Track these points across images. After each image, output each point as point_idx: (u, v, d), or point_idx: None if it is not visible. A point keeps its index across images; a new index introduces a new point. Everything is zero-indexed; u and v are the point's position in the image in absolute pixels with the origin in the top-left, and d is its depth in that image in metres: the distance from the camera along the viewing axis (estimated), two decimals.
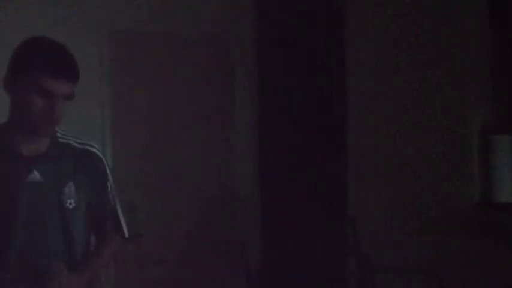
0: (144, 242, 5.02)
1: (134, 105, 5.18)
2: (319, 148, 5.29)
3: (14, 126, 2.38)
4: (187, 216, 5.35)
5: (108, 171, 2.60)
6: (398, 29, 4.73)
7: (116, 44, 5.13)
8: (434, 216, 4.54)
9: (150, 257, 5.16)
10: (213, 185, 5.52)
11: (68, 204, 2.45)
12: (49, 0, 5.03)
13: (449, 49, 4.49)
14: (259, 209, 5.67)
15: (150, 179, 5.20)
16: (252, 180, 5.69)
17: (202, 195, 5.42)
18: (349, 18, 5.01)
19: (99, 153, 2.57)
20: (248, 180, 5.71)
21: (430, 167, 4.56)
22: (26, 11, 4.95)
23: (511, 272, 4.23)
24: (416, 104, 4.64)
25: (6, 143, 2.39)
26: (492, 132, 4.40)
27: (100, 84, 5.15)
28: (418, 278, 4.50)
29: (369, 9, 4.90)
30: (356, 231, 4.66)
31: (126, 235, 2.64)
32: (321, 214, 5.23)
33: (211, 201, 5.51)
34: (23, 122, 2.34)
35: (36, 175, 2.39)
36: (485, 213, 4.32)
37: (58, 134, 2.47)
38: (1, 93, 2.42)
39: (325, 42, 5.28)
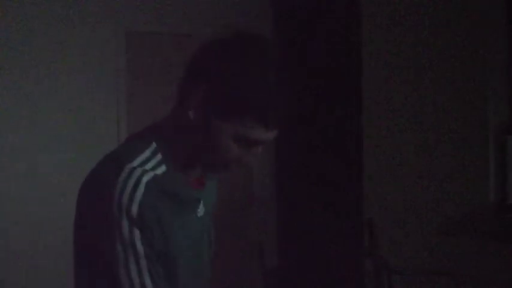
0: None
1: (149, 104, 5.22)
2: (336, 149, 5.28)
3: (184, 158, 1.76)
4: None
5: None
6: (414, 28, 4.71)
7: (133, 44, 5.19)
8: (449, 218, 4.51)
9: None
10: (231, 187, 5.54)
11: (212, 238, 1.96)
12: (71, 1, 5.11)
13: (462, 47, 4.46)
14: (275, 209, 5.68)
15: None
16: (268, 182, 5.70)
17: (220, 197, 5.44)
18: (365, 18, 5.00)
19: None
20: (265, 182, 5.72)
21: (445, 167, 4.53)
22: (47, 9, 5.00)
23: None
24: (431, 104, 4.62)
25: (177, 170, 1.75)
26: (508, 132, 4.36)
27: (116, 82, 5.21)
28: (434, 279, 4.47)
29: (385, 8, 4.88)
30: (373, 232, 4.64)
31: None
32: (337, 215, 5.22)
33: (229, 203, 5.52)
34: (206, 162, 1.74)
35: (202, 205, 1.84)
36: (501, 214, 4.28)
37: None
38: None
39: (340, 43, 5.28)
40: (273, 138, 1.72)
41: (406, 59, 4.74)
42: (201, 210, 1.82)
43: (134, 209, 1.61)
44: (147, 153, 1.71)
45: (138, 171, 1.65)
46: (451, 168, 4.50)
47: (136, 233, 1.61)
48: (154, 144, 1.73)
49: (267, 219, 5.67)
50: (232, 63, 1.65)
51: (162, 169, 1.71)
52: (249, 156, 1.72)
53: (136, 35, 5.22)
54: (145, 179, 1.64)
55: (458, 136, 4.48)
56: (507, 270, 4.21)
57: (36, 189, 4.94)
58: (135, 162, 1.68)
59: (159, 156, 1.72)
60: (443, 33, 4.56)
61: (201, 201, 1.83)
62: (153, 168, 1.69)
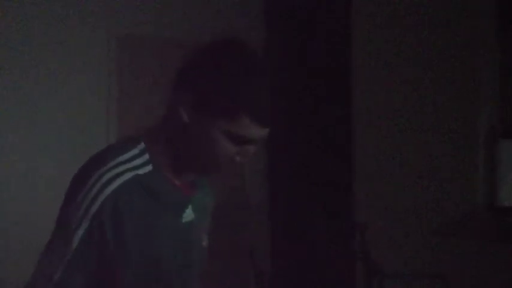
0: None
1: (141, 105, 5.24)
2: (327, 152, 5.27)
3: (174, 160, 1.75)
4: None
5: None
6: (404, 31, 4.68)
7: (123, 48, 5.21)
8: (440, 220, 4.49)
9: None
10: (224, 190, 5.55)
11: (203, 242, 1.92)
12: (70, 2, 5.13)
13: (456, 51, 4.43)
14: (268, 213, 5.68)
15: None
16: (262, 184, 5.70)
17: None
18: (365, 18, 4.98)
19: None
20: (258, 183, 5.71)
21: (436, 171, 4.51)
22: (44, 12, 5.03)
23: None
24: (423, 107, 4.59)
25: (162, 171, 1.74)
26: (499, 136, 4.33)
27: (107, 83, 5.23)
28: (426, 282, 4.45)
29: (375, 11, 4.85)
30: (364, 236, 4.63)
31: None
32: (329, 219, 5.21)
33: (222, 206, 5.53)
34: (198, 162, 1.73)
35: (190, 211, 1.80)
36: (491, 217, 4.26)
37: None
38: None
39: (331, 46, 5.26)
40: (266, 136, 1.74)
41: (406, 59, 4.72)
42: (187, 216, 1.78)
43: (95, 205, 1.64)
44: (134, 151, 1.72)
45: (118, 169, 1.67)
46: (442, 171, 4.49)
47: (83, 228, 1.66)
48: (143, 144, 1.74)
49: (260, 221, 5.66)
50: (220, 64, 1.67)
51: (147, 168, 1.71)
52: (242, 155, 1.72)
53: (128, 39, 5.22)
54: (120, 179, 1.66)
55: (449, 140, 4.46)
56: (498, 272, 4.19)
57: (36, 189, 4.97)
58: (122, 158, 1.69)
59: (146, 156, 1.72)
60: (434, 36, 4.54)
61: (189, 207, 1.79)
62: (137, 167, 1.69)
